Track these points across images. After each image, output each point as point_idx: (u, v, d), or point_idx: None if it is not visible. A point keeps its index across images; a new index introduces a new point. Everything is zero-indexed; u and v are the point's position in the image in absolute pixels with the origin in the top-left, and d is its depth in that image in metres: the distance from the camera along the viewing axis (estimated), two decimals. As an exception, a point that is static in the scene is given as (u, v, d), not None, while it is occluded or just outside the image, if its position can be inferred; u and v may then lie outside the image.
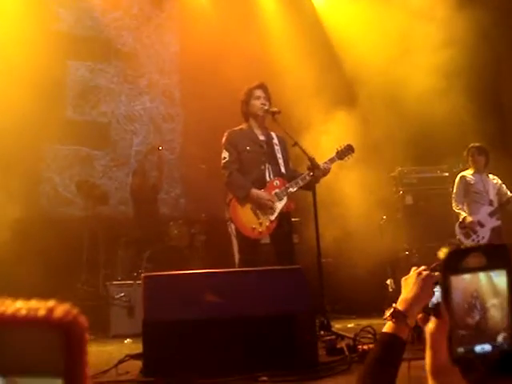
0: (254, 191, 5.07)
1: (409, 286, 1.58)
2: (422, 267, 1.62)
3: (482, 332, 0.70)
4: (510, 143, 8.51)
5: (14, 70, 7.29)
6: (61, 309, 0.53)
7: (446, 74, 7.66)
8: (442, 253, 0.73)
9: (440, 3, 8.03)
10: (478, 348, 0.70)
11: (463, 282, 0.71)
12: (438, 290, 1.05)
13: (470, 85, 7.81)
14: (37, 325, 0.51)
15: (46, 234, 7.03)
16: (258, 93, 5.33)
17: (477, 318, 0.70)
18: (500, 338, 0.70)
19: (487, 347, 0.70)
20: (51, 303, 0.53)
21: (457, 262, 0.71)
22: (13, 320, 0.51)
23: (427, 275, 1.53)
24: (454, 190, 7.12)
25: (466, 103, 7.72)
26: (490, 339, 0.70)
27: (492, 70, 8.39)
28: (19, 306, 0.52)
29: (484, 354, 0.70)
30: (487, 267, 0.70)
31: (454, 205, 7.05)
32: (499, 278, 0.70)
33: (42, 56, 7.53)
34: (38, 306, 0.52)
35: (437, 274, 1.53)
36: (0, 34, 7.33)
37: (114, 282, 6.60)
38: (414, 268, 1.63)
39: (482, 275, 0.70)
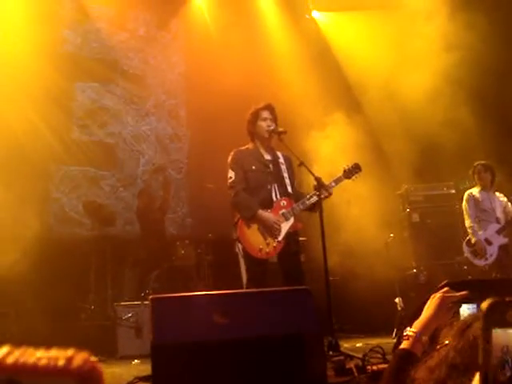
0: (261, 212, 5.07)
1: (426, 308, 1.72)
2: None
3: None
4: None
5: (22, 91, 7.36)
6: (79, 358, 0.55)
7: (451, 87, 7.68)
8: (485, 303, 0.69)
9: (441, 6, 8.03)
10: None
11: (504, 335, 0.67)
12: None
13: (476, 99, 7.80)
14: (57, 374, 0.53)
15: (54, 255, 7.06)
16: (265, 114, 5.34)
17: (508, 374, 0.67)
18: None
19: None
20: (70, 352, 0.55)
21: (500, 314, 0.67)
22: (34, 370, 0.52)
23: (441, 297, 1.66)
24: (465, 208, 7.07)
25: (471, 118, 7.70)
26: None
27: (496, 82, 8.38)
28: (40, 356, 0.53)
29: None
30: None
31: (467, 222, 7.00)
32: None
33: (49, 77, 7.62)
34: (58, 356, 0.53)
35: (453, 294, 1.60)
36: (8, 55, 7.41)
37: (122, 303, 6.59)
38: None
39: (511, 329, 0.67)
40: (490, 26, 7.60)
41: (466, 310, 1.59)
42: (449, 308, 1.65)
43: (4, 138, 6.95)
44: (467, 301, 1.58)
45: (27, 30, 7.60)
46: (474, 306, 1.58)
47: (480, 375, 0.69)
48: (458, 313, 1.63)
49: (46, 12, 8.11)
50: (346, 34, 9.16)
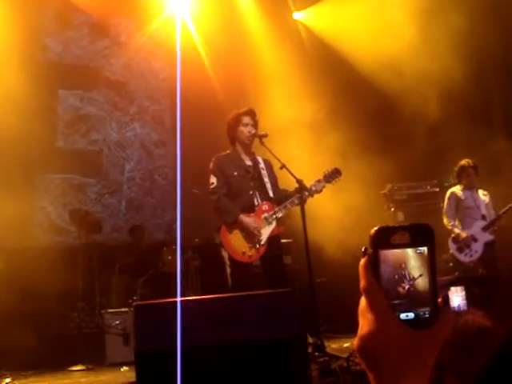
0: (242, 217, 5.10)
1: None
2: None
3: (412, 300, 0.77)
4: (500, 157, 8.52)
5: (4, 100, 7.33)
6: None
7: (435, 85, 7.72)
8: (372, 230, 0.79)
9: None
10: (403, 315, 0.77)
11: (392, 255, 0.78)
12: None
13: (459, 95, 7.84)
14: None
15: (41, 264, 7.02)
16: (246, 120, 5.32)
17: (407, 287, 0.78)
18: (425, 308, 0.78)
19: (411, 315, 0.77)
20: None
21: (384, 238, 0.78)
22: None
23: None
24: (445, 206, 7.11)
25: (455, 115, 7.73)
26: (416, 307, 0.77)
27: (480, 80, 8.41)
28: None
29: (407, 321, 0.77)
30: (411, 244, 0.79)
31: (445, 221, 7.03)
32: (422, 254, 0.79)
33: (31, 86, 7.59)
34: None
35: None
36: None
37: (109, 310, 6.58)
38: None
39: (408, 250, 0.78)
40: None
41: (454, 292, 1.64)
42: None
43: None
44: (455, 283, 1.64)
45: (7, 39, 7.58)
46: (463, 287, 1.63)
47: (374, 294, 0.78)
48: (447, 296, 1.67)
49: (26, 21, 8.08)
50: (331, 24, 9.12)
